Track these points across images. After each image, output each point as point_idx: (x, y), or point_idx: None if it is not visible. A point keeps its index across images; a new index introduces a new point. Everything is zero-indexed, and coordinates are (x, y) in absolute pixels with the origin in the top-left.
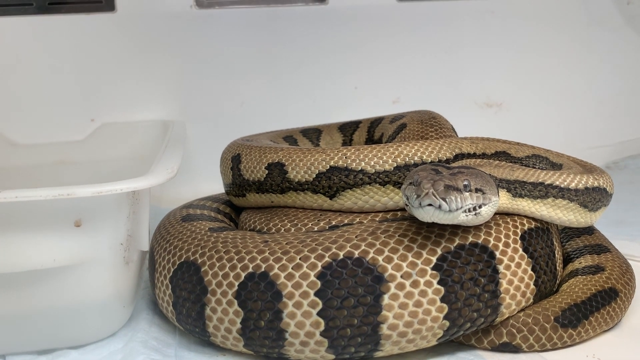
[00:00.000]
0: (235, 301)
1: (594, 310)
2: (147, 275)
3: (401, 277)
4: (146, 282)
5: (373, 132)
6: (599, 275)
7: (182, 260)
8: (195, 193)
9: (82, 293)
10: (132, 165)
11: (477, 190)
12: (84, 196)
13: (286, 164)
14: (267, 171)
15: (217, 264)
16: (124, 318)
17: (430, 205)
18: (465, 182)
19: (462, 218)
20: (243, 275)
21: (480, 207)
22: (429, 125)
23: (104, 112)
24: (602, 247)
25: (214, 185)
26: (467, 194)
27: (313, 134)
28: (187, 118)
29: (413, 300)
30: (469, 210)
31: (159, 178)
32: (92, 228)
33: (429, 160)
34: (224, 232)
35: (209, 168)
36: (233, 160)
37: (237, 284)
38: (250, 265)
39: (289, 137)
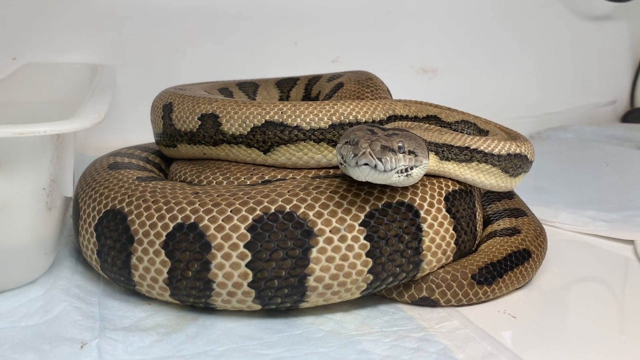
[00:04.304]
0: (163, 251)
1: (508, 270)
2: (71, 223)
3: (330, 231)
4: (70, 230)
5: (310, 89)
6: (515, 237)
7: (108, 208)
8: (124, 142)
9: (1, 238)
10: (56, 109)
11: (410, 152)
12: (4, 137)
13: (220, 115)
14: (200, 122)
15: (145, 214)
16: (45, 265)
17: (366, 164)
18: (400, 144)
19: (394, 179)
20: (171, 225)
21: (412, 168)
22: (366, 85)
23: (27, 51)
24: (520, 211)
25: (144, 134)
26: (401, 155)
27: (249, 88)
28: (118, 63)
29: (340, 254)
30: (402, 172)
31: (86, 122)
32: (13, 171)
33: (364, 120)
34: (153, 182)
35: (138, 116)
36: (164, 109)
37: (164, 234)
38: (179, 216)
39: (225, 90)
